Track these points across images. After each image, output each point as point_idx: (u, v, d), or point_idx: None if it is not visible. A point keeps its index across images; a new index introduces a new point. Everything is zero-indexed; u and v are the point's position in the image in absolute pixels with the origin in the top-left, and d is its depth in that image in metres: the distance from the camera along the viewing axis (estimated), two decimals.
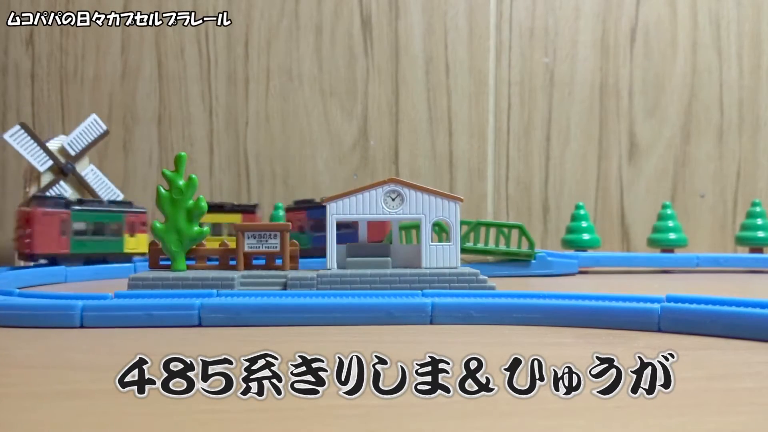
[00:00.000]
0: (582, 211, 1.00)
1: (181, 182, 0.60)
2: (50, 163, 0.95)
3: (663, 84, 1.23)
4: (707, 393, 0.28)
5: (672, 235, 0.98)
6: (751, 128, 1.24)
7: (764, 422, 0.24)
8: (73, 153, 0.97)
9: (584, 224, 0.99)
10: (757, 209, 1.00)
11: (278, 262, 0.61)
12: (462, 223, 0.81)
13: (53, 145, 0.97)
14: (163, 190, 0.60)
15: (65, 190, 0.96)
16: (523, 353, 0.37)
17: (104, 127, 1.01)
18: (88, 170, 1.00)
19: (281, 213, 0.99)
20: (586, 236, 0.98)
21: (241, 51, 1.18)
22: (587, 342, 0.40)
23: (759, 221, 0.99)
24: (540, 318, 0.46)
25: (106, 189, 1.01)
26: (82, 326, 0.45)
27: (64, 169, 0.96)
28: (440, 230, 0.83)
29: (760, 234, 0.98)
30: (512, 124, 1.22)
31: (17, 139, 0.93)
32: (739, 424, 0.24)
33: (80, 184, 0.98)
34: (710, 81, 1.24)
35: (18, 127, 0.94)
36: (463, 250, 0.82)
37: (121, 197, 1.03)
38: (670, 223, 0.99)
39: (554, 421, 0.24)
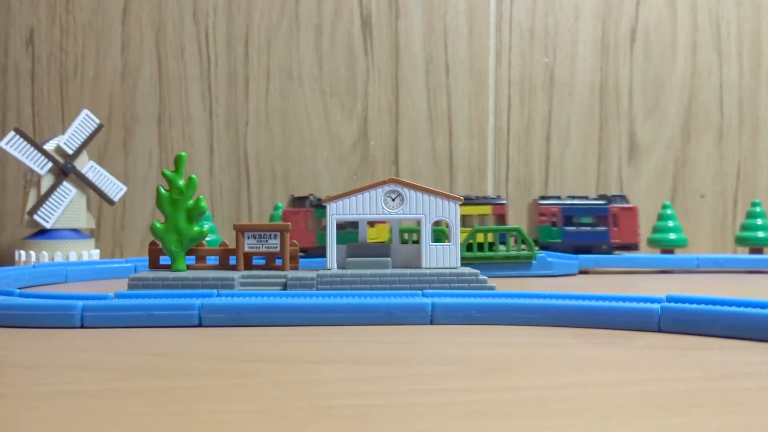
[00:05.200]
0: None
1: (181, 182, 0.60)
2: (50, 165, 0.95)
3: (663, 84, 1.23)
4: (707, 393, 0.28)
5: (672, 236, 0.98)
6: (751, 128, 1.24)
7: (764, 422, 0.24)
8: (70, 151, 0.97)
9: None
10: (757, 209, 1.00)
11: (278, 262, 0.61)
12: None
13: (51, 146, 0.97)
14: (163, 190, 0.60)
15: (69, 190, 0.96)
16: (523, 353, 0.37)
17: (97, 121, 1.00)
18: (88, 167, 0.99)
19: (281, 213, 0.99)
20: None
21: (241, 51, 1.19)
22: (587, 342, 0.40)
23: (759, 221, 0.99)
24: (540, 318, 0.46)
25: (109, 184, 1.01)
26: (82, 326, 0.45)
27: (64, 169, 0.96)
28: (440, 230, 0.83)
29: (760, 234, 0.98)
30: (512, 124, 1.22)
31: (14, 145, 0.93)
32: (739, 424, 0.24)
33: (82, 182, 0.98)
34: (710, 81, 1.24)
35: (13, 133, 0.94)
36: (463, 258, 0.81)
37: (123, 190, 1.02)
38: (670, 224, 0.99)
39: (554, 421, 0.24)
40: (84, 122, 0.98)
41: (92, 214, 1.03)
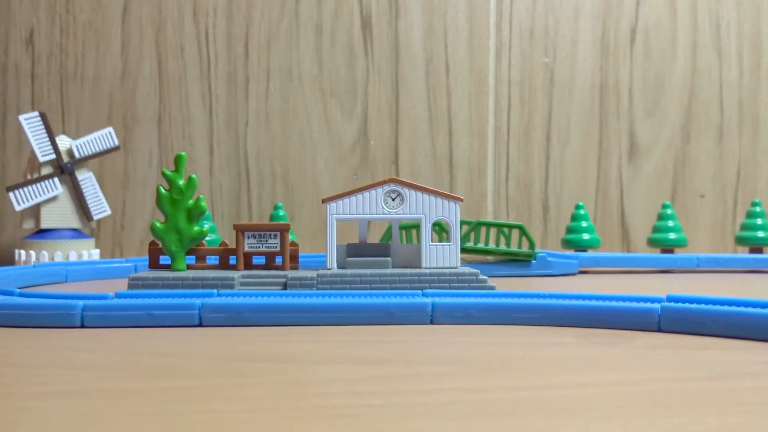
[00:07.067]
0: (582, 211, 1.00)
1: (181, 182, 0.60)
2: (53, 157, 0.96)
3: (663, 84, 1.23)
4: (707, 393, 0.28)
5: (672, 235, 0.98)
6: (751, 128, 1.24)
7: (764, 422, 0.24)
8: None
9: (584, 224, 0.99)
10: (757, 209, 1.00)
11: (278, 261, 0.61)
12: (462, 222, 0.81)
13: (61, 142, 0.98)
14: (163, 190, 0.60)
15: (56, 187, 0.96)
16: (523, 353, 0.37)
17: (116, 143, 1.02)
18: (86, 177, 1.00)
19: (281, 213, 0.99)
20: (586, 236, 0.98)
21: (241, 51, 1.19)
22: (587, 342, 0.40)
23: (759, 221, 0.99)
24: (540, 318, 0.46)
25: (96, 201, 1.02)
26: (82, 326, 0.45)
27: (63, 167, 0.96)
28: (440, 230, 0.83)
29: (760, 234, 0.98)
30: (512, 124, 1.22)
31: (31, 124, 0.95)
32: (739, 424, 0.24)
33: (74, 187, 0.98)
34: (710, 81, 1.24)
35: (37, 114, 0.96)
36: (464, 250, 0.82)
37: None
38: (670, 223, 0.99)
39: (554, 421, 0.24)
40: (104, 137, 1.01)
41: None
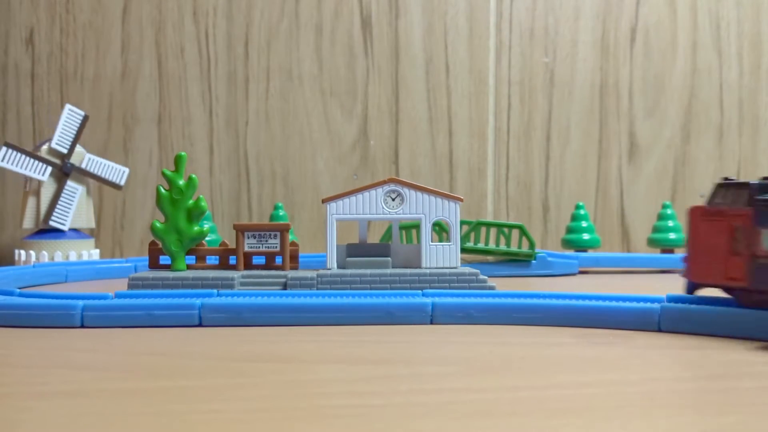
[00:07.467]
0: (582, 211, 1.00)
1: (181, 182, 0.60)
2: (49, 168, 0.95)
3: (663, 84, 1.23)
4: (707, 393, 0.28)
5: (672, 235, 0.98)
6: (751, 128, 1.24)
7: (763, 422, 0.24)
8: (64, 150, 0.96)
9: (584, 224, 0.99)
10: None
11: (278, 261, 0.61)
12: (462, 222, 0.81)
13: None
14: (163, 190, 0.60)
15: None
16: (523, 353, 0.37)
17: (82, 113, 0.99)
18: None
19: (281, 213, 0.99)
20: (586, 236, 0.98)
21: (241, 51, 1.18)
22: (587, 342, 0.40)
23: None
24: (540, 318, 0.46)
25: (111, 171, 1.01)
26: (82, 326, 0.45)
27: (64, 169, 0.96)
28: (440, 230, 0.83)
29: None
30: (512, 124, 1.22)
31: (8, 159, 0.92)
32: (739, 424, 0.24)
33: (86, 176, 0.98)
34: (710, 81, 1.24)
35: (4, 148, 0.93)
36: (464, 250, 0.82)
37: (126, 172, 1.03)
38: (670, 223, 0.99)
39: (554, 421, 0.24)
40: (69, 118, 0.97)
41: (92, 213, 1.03)
